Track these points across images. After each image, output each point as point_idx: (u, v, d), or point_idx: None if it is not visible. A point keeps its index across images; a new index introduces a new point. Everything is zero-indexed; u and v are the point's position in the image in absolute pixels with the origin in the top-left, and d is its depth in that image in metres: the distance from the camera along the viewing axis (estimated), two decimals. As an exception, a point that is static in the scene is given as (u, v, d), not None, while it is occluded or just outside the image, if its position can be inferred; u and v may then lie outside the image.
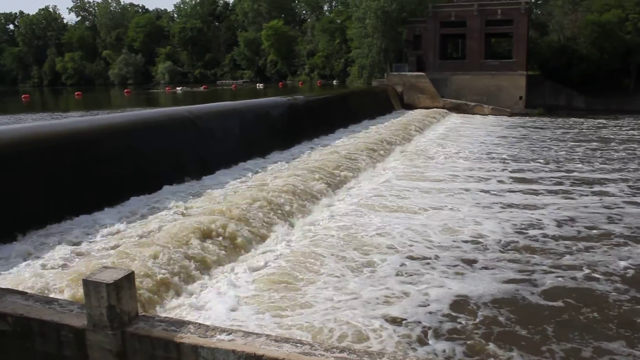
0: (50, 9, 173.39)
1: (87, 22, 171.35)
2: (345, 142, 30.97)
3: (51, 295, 9.50)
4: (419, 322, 10.58)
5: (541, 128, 42.27)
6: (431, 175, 23.91)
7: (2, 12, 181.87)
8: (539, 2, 76.01)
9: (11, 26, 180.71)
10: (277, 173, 21.62)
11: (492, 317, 10.87)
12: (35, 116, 52.81)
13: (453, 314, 10.98)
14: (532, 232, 16.13)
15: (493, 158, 28.78)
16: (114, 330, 6.38)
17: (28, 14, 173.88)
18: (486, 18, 52.50)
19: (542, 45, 58.25)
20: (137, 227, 14.42)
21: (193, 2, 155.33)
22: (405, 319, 10.67)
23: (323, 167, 22.56)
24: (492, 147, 32.22)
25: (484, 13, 52.57)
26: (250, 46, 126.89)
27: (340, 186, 21.37)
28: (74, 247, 12.91)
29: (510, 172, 25.11)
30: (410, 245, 14.82)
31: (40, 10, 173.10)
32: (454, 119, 48.16)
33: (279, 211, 16.63)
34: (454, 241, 15.25)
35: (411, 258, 13.94)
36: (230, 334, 6.28)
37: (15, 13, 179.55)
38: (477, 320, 10.75)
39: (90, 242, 13.34)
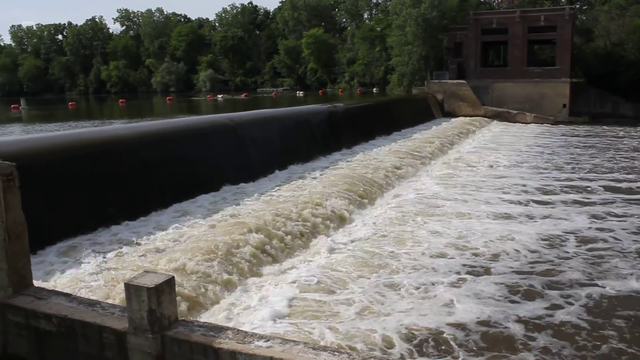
0: (97, 20, 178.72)
1: (131, 32, 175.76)
2: (392, 148, 30.76)
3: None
4: (568, 323, 10.74)
5: (618, 137, 40.51)
6: (528, 185, 23.55)
7: (52, 23, 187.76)
8: (584, 7, 74.39)
9: (60, 36, 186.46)
10: (321, 181, 21.45)
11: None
12: (87, 123, 54.22)
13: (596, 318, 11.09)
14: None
15: (583, 168, 27.94)
16: (154, 334, 6.45)
17: (76, 25, 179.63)
18: (529, 24, 51.49)
19: (587, 52, 56.78)
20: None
21: (234, 11, 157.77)
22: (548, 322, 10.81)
23: (369, 178, 22.39)
24: (577, 157, 31.41)
25: (526, 19, 51.66)
26: (291, 54, 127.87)
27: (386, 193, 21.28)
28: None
29: (607, 181, 24.35)
30: (537, 252, 14.90)
31: (87, 20, 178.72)
32: (516, 128, 46.82)
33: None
34: (588, 250, 15.14)
35: (545, 261, 14.12)
36: (268, 340, 6.28)
37: (64, 24, 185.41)
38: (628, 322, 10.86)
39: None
